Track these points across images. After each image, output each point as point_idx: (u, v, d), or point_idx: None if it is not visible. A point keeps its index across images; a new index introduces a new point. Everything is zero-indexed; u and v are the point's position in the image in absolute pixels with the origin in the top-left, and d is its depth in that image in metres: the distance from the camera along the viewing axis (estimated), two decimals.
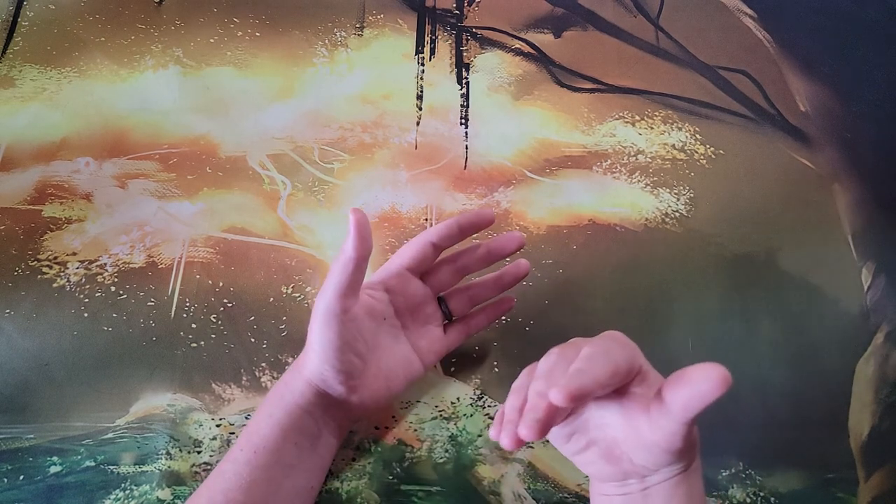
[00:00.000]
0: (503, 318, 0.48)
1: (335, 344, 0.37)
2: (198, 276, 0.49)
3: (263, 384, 0.46)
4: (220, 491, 0.36)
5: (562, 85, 0.58)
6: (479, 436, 0.46)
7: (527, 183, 0.54)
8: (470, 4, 0.61)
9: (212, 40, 0.57)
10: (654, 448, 0.33)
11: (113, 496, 0.43)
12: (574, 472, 0.45)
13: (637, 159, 0.56)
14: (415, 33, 0.59)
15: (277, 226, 0.51)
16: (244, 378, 0.46)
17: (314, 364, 0.38)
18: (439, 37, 0.59)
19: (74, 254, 0.49)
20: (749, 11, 0.63)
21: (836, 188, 0.56)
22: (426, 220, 0.52)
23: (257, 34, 0.58)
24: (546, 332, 0.49)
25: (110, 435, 0.44)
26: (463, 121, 0.56)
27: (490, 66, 0.59)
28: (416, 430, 0.46)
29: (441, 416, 0.46)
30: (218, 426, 0.45)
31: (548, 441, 0.45)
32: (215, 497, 0.36)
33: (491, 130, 0.56)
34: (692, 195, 0.55)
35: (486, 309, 0.46)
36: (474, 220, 0.42)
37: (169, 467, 0.43)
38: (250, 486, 0.36)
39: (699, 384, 0.29)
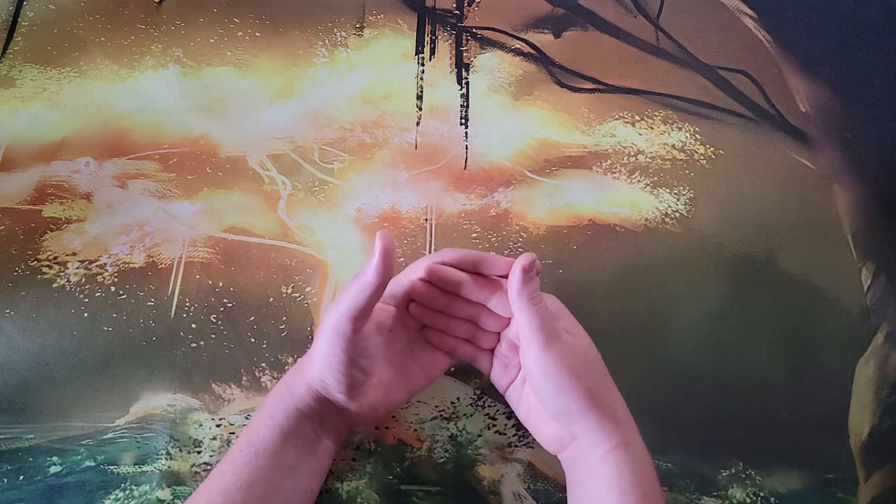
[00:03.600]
0: None
1: (340, 359, 0.37)
2: (198, 276, 0.49)
3: (263, 384, 0.46)
4: (219, 491, 0.36)
5: (562, 85, 0.58)
6: (479, 436, 0.46)
7: (527, 183, 0.54)
8: (470, 4, 0.61)
9: (212, 40, 0.57)
10: (534, 379, 0.38)
11: (113, 496, 0.43)
12: None
13: (637, 159, 0.56)
14: (415, 33, 0.59)
15: (277, 226, 0.51)
16: (244, 378, 0.46)
17: (317, 371, 0.38)
18: (439, 37, 0.59)
19: (74, 254, 0.49)
20: (749, 11, 0.63)
21: (836, 188, 0.56)
22: (426, 220, 0.52)
23: (257, 34, 0.58)
24: None
25: (110, 435, 0.44)
26: (463, 121, 0.56)
27: (490, 66, 0.59)
28: (416, 430, 0.46)
29: (441, 416, 0.46)
30: (218, 426, 0.45)
31: None
32: (214, 498, 0.36)
33: (491, 130, 0.56)
34: (692, 195, 0.55)
35: (490, 335, 0.44)
36: (496, 266, 0.41)
37: (169, 467, 0.44)
38: (249, 486, 0.36)
39: (514, 267, 0.38)
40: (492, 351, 0.44)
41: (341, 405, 0.39)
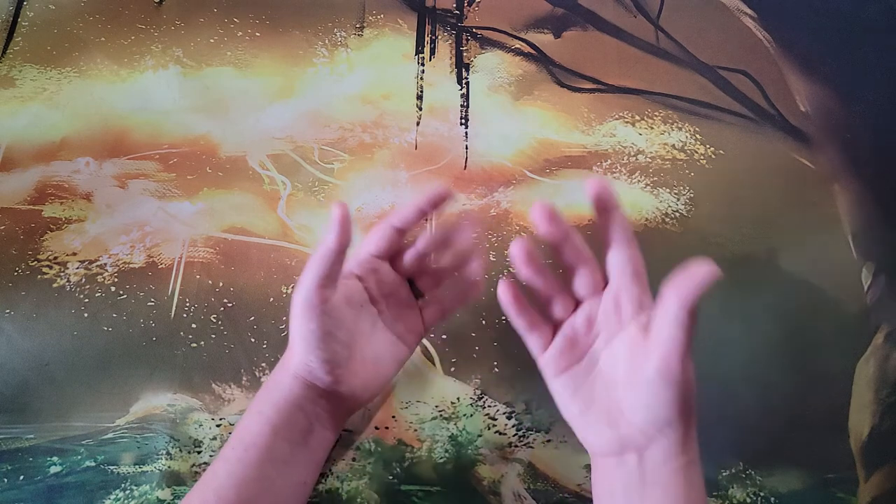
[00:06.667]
0: (503, 317, 0.49)
1: (317, 334, 0.37)
2: (198, 276, 0.49)
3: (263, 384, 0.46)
4: (213, 490, 0.36)
5: (562, 85, 0.58)
6: (479, 436, 0.46)
7: (527, 183, 0.54)
8: (470, 4, 0.61)
9: (212, 40, 0.57)
10: (652, 383, 0.34)
11: (113, 496, 0.43)
12: (574, 472, 0.45)
13: (637, 159, 0.56)
14: (415, 33, 0.59)
15: (277, 226, 0.51)
16: (244, 378, 0.46)
17: (299, 356, 0.38)
18: (439, 37, 0.59)
19: (74, 254, 0.49)
20: (749, 11, 0.63)
21: (836, 188, 0.56)
22: (426, 219, 0.52)
23: (257, 34, 0.58)
24: None
25: (110, 435, 0.44)
26: (463, 121, 0.56)
27: (490, 66, 0.59)
28: (416, 430, 0.46)
29: (441, 416, 0.46)
30: (218, 426, 0.45)
31: (550, 440, 0.46)
32: (207, 496, 0.36)
33: (491, 130, 0.56)
34: (692, 195, 0.55)
35: (457, 289, 0.44)
36: (433, 198, 0.40)
37: (169, 467, 0.44)
38: (242, 483, 0.36)
39: (692, 272, 0.33)
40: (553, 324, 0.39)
41: (330, 388, 0.39)
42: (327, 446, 0.41)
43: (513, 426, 0.46)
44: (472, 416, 0.46)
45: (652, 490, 0.35)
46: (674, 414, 0.34)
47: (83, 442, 0.44)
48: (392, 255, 0.43)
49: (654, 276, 0.52)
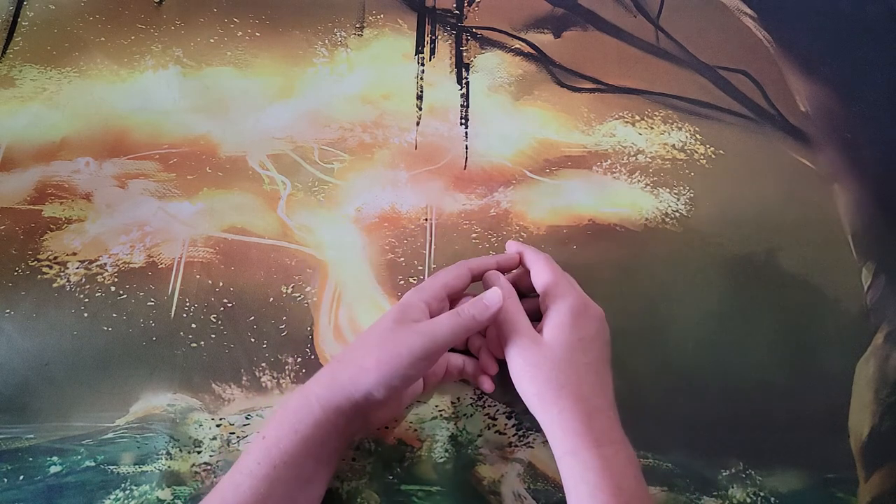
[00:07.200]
0: None
1: (410, 378, 0.38)
2: (198, 276, 0.49)
3: (263, 384, 0.46)
4: None
5: (562, 85, 0.58)
6: (479, 436, 0.46)
7: (527, 183, 0.54)
8: (470, 4, 0.61)
9: (212, 40, 0.57)
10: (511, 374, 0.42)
11: (113, 496, 0.43)
12: None
13: (637, 159, 0.56)
14: (415, 33, 0.59)
15: (277, 226, 0.51)
16: (244, 378, 0.46)
17: (370, 383, 0.37)
18: (439, 37, 0.59)
19: (74, 254, 0.49)
20: (749, 11, 0.63)
21: (836, 188, 0.56)
22: (426, 219, 0.52)
23: (257, 34, 0.58)
24: None
25: (110, 435, 0.44)
26: (463, 121, 0.56)
27: (490, 66, 0.59)
28: (416, 430, 0.46)
29: (441, 416, 0.46)
30: (218, 426, 0.45)
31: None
32: None
33: (491, 130, 0.56)
34: (692, 195, 0.55)
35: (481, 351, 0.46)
36: (507, 261, 0.46)
37: (169, 467, 0.43)
38: (265, 500, 0.35)
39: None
40: None
41: (367, 413, 0.39)
42: (341, 461, 0.41)
43: (513, 426, 0.46)
44: (472, 416, 0.46)
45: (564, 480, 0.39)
46: (532, 401, 0.40)
47: (83, 442, 0.44)
48: (453, 298, 0.45)
49: (654, 276, 0.52)
